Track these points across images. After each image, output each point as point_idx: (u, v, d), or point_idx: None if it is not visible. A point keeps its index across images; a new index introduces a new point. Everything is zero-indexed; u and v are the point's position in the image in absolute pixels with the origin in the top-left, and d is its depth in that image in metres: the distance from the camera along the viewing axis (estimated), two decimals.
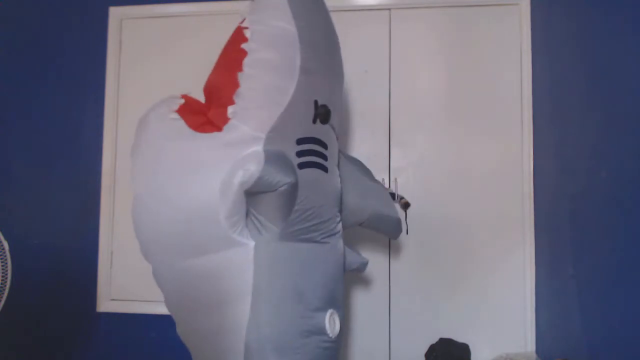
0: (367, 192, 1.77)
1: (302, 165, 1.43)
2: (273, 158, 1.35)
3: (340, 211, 1.63)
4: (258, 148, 1.35)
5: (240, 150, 1.34)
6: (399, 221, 1.86)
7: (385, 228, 1.86)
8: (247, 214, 1.41)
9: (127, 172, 2.36)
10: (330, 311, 1.46)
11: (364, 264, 1.77)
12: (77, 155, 2.47)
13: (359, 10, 2.36)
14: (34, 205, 2.42)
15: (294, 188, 1.38)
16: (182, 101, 1.52)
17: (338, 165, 1.64)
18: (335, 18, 1.60)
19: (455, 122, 2.28)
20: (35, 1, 2.52)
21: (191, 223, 1.35)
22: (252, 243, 1.38)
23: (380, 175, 2.20)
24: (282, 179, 1.34)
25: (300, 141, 1.45)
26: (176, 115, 1.44)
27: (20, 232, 2.20)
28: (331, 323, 1.45)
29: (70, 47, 2.50)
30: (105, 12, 2.50)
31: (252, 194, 1.36)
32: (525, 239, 2.19)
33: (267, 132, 1.37)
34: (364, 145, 2.31)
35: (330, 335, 1.43)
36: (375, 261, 1.81)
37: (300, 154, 1.44)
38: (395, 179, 2.27)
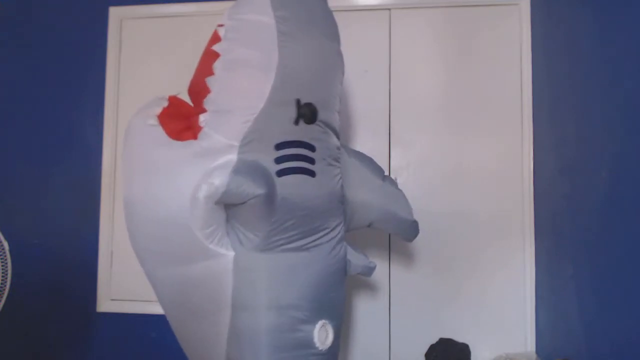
0: (372, 191, 1.67)
1: (281, 173, 1.35)
2: (243, 169, 1.28)
3: (344, 213, 1.57)
4: (232, 157, 1.29)
5: (214, 159, 1.28)
6: (411, 223, 1.74)
7: (396, 229, 1.75)
8: (229, 223, 1.36)
9: None
10: (321, 322, 1.39)
11: (370, 269, 1.68)
12: (77, 155, 2.47)
13: (359, 10, 2.36)
14: (34, 205, 2.42)
15: (267, 199, 1.30)
16: (166, 104, 1.46)
17: (338, 163, 1.57)
18: (335, 18, 1.58)
19: (455, 122, 2.28)
20: (35, 1, 2.52)
21: (168, 232, 1.30)
22: (231, 254, 1.33)
23: None
24: (251, 191, 1.27)
25: (279, 146, 1.35)
26: (155, 121, 1.38)
27: (20, 232, 2.19)
28: (321, 335, 1.39)
29: (70, 47, 2.49)
30: (105, 12, 2.50)
31: (229, 204, 1.31)
32: (525, 239, 2.19)
33: (241, 139, 1.30)
34: (364, 145, 2.30)
35: (320, 347, 1.37)
36: (375, 261, 1.81)
37: (279, 160, 1.35)
38: (395, 179, 2.27)
